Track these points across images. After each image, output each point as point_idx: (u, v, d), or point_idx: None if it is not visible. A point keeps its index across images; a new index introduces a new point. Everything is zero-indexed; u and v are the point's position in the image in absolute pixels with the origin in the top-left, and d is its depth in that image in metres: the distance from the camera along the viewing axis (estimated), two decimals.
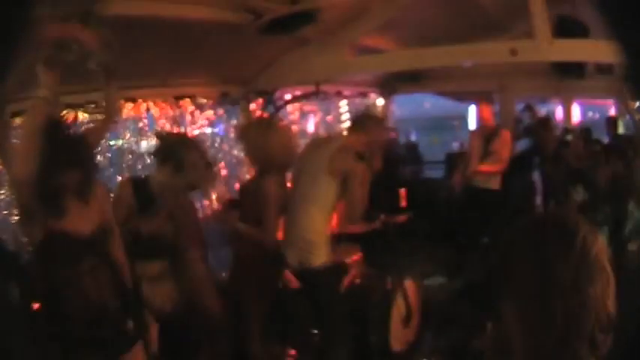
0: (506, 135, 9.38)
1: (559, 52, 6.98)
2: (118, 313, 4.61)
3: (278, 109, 10.00)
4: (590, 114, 12.18)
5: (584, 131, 10.64)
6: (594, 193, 7.92)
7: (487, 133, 9.30)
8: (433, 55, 7.91)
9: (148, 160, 8.30)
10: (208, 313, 5.90)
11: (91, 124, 6.48)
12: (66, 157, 4.31)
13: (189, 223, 5.98)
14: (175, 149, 5.42)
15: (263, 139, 6.03)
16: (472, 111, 11.83)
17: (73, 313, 4.27)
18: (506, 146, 9.27)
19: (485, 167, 9.19)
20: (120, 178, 7.41)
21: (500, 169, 9.21)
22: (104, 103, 5.26)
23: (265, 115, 9.46)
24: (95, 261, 4.44)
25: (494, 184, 9.24)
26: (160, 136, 5.85)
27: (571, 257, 1.86)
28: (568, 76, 9.57)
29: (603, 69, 9.55)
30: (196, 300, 5.74)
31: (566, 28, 7.05)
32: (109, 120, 5.30)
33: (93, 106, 7.26)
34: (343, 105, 11.86)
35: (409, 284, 7.48)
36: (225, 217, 6.53)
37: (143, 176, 6.02)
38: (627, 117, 10.90)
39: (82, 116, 7.05)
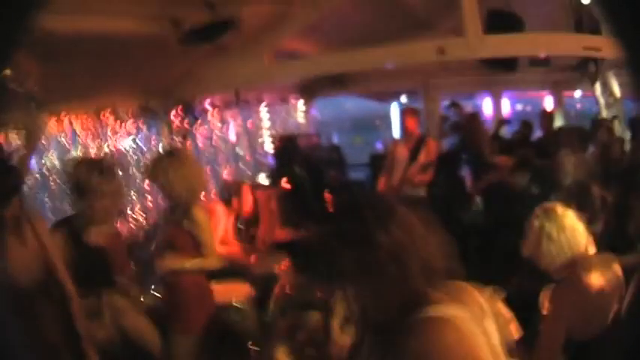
0: (433, 144, 9.33)
1: (490, 48, 6.91)
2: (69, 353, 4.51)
3: (197, 118, 9.80)
4: (520, 107, 12.16)
5: (525, 124, 10.56)
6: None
7: (413, 143, 9.21)
8: (357, 57, 7.79)
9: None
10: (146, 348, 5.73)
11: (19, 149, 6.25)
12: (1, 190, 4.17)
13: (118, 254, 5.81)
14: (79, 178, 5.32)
15: (180, 172, 5.79)
16: (395, 110, 11.75)
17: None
18: (434, 155, 9.22)
19: (418, 178, 9.13)
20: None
21: (430, 179, 9.17)
22: (28, 126, 5.09)
23: (178, 139, 9.34)
24: (43, 303, 4.32)
25: (422, 190, 9.18)
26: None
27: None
28: (499, 70, 9.53)
29: (537, 61, 9.55)
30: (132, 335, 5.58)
31: (499, 22, 6.99)
32: (34, 145, 5.15)
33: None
34: (264, 111, 11.72)
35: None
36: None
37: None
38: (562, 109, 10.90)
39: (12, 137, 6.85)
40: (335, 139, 12.09)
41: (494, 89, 11.40)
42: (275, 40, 8.13)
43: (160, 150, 6.04)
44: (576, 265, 4.20)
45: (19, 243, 4.32)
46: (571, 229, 4.32)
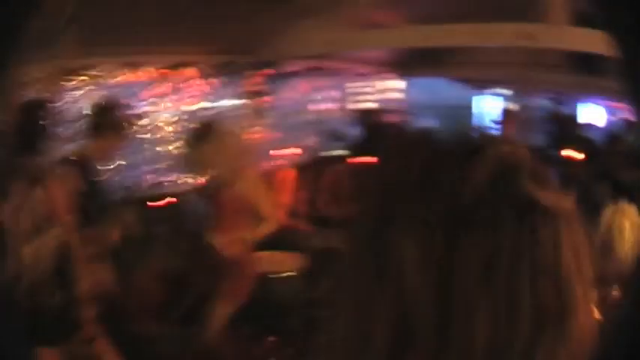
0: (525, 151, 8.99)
1: (572, 40, 6.57)
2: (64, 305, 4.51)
3: (281, 81, 9.68)
4: (612, 117, 11.63)
5: (611, 132, 10.09)
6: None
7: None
8: (438, 33, 7.57)
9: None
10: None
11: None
12: (32, 139, 4.22)
13: None
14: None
15: (220, 149, 5.56)
16: (490, 101, 11.39)
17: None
18: None
19: None
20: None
21: None
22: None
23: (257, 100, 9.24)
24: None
25: None
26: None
27: None
28: (585, 72, 9.13)
29: None
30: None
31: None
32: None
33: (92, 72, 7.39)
34: (358, 83, 11.50)
35: None
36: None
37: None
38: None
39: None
40: (427, 123, 11.78)
41: (584, 93, 10.94)
42: (363, 7, 7.91)
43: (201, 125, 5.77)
44: None
45: (31, 190, 4.36)
46: None
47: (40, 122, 4.41)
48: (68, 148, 5.84)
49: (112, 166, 6.27)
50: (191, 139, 5.63)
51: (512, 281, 1.02)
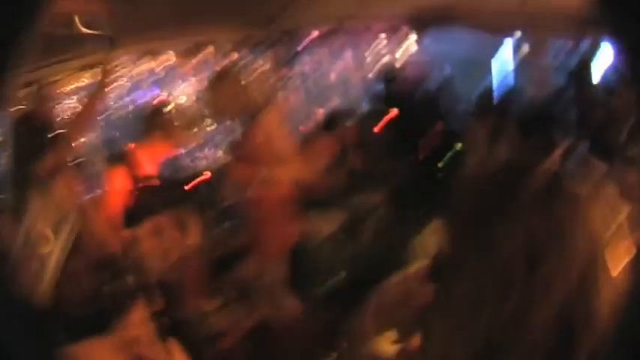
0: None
1: None
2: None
3: (303, 48, 9.77)
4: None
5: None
6: None
7: None
8: None
9: None
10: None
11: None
12: (34, 148, 4.39)
13: None
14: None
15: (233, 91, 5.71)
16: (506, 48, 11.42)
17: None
18: None
19: None
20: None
21: None
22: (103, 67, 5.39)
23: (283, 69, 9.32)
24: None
25: None
26: None
27: None
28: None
29: None
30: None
31: None
32: (102, 91, 5.44)
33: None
34: (376, 42, 11.57)
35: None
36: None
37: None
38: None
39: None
40: (448, 72, 11.84)
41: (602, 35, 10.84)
42: None
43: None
44: None
45: (41, 196, 4.58)
46: None
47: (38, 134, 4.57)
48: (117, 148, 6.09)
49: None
50: (212, 81, 5.77)
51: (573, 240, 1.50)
